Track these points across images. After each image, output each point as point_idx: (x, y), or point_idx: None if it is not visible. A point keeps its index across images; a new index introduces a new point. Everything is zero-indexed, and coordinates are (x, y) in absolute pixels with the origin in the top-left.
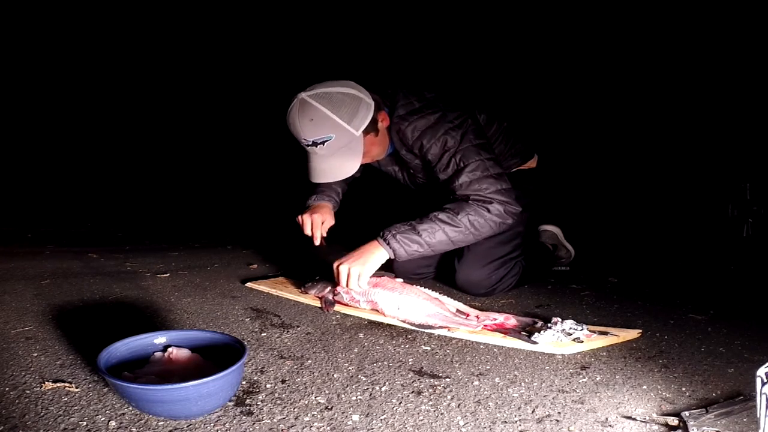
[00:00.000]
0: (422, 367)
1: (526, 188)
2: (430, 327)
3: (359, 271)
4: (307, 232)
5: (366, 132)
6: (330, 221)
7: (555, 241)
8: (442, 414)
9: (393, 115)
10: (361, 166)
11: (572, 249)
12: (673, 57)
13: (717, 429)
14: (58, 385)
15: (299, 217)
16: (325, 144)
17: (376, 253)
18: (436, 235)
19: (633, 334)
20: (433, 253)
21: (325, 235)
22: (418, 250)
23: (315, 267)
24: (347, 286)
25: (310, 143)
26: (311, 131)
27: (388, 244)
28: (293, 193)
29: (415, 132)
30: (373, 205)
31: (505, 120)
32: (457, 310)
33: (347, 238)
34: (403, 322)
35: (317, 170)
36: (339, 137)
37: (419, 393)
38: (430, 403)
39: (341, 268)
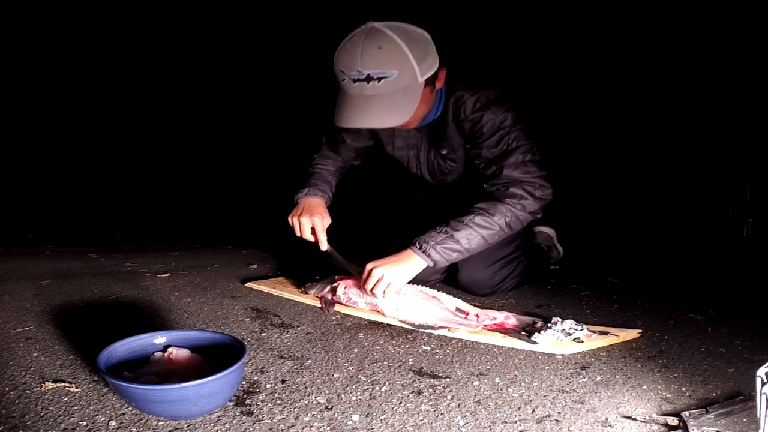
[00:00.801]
0: (422, 367)
1: None
2: (430, 327)
3: (391, 281)
4: (306, 236)
5: (427, 82)
6: (328, 219)
7: (549, 242)
8: (442, 414)
9: (452, 82)
10: (366, 149)
11: (562, 249)
12: (673, 57)
13: (717, 429)
14: (58, 385)
15: (291, 218)
16: (382, 81)
17: (413, 263)
18: (474, 240)
19: (633, 334)
20: (468, 256)
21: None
22: (459, 258)
23: (315, 267)
24: (372, 291)
25: (363, 77)
26: (374, 61)
27: (428, 255)
28: (292, 192)
29: (478, 103)
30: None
31: None
32: (457, 309)
33: (345, 238)
34: (403, 322)
35: (357, 112)
36: (402, 76)
37: (419, 393)
38: (430, 403)
39: (375, 271)
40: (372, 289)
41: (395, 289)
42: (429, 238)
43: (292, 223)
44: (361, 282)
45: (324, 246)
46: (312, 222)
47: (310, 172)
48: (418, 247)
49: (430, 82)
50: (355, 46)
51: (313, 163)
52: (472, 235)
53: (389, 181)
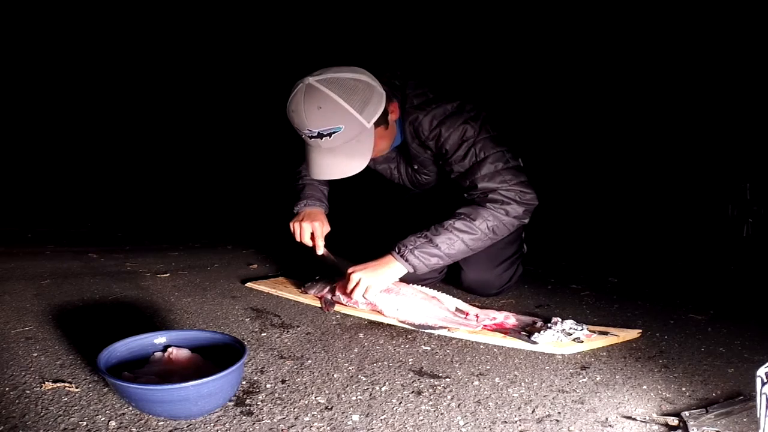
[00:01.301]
0: (422, 367)
1: None
2: (430, 327)
3: (369, 284)
4: (305, 240)
5: (377, 124)
6: (327, 227)
7: None
8: (442, 414)
9: (405, 106)
10: None
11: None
12: (672, 56)
13: (717, 429)
14: (58, 385)
15: (292, 224)
16: (332, 136)
17: (393, 269)
18: (455, 245)
19: (633, 334)
20: (451, 262)
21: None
22: (438, 263)
23: (315, 267)
24: (352, 294)
25: (315, 134)
26: (318, 121)
27: (407, 260)
28: (290, 200)
29: (434, 121)
30: (357, 206)
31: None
32: (457, 309)
33: (345, 244)
34: (403, 322)
35: (320, 166)
36: (348, 129)
37: (419, 393)
38: (430, 403)
39: (353, 276)
40: (351, 293)
41: (374, 293)
42: (408, 242)
43: (293, 228)
44: (344, 285)
45: (320, 251)
46: (312, 227)
47: (301, 184)
48: (397, 251)
49: (382, 120)
50: (298, 107)
51: (302, 175)
52: (453, 240)
53: (381, 184)
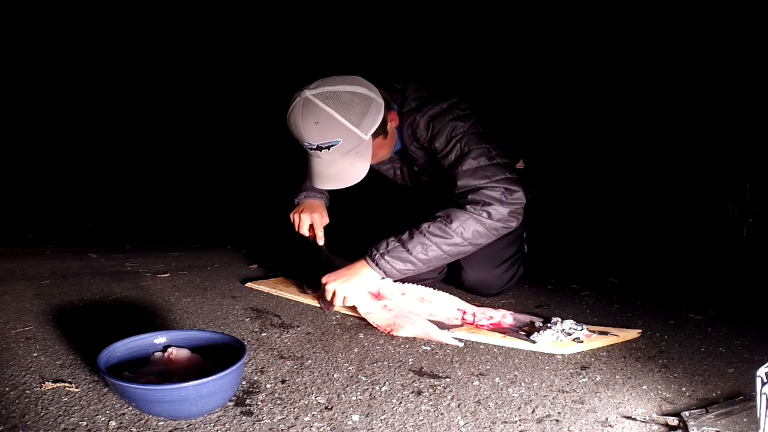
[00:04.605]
0: (422, 367)
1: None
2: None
3: (345, 295)
4: (303, 231)
5: (375, 135)
6: (326, 219)
7: None
8: (442, 414)
9: (403, 109)
10: None
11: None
12: (672, 56)
13: (717, 429)
14: (58, 385)
15: (292, 215)
16: (331, 149)
17: (365, 275)
18: (429, 251)
19: (633, 334)
20: (428, 269)
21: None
22: (411, 269)
23: (314, 267)
24: (332, 302)
25: (314, 147)
26: (316, 135)
27: (377, 264)
28: (292, 192)
29: (429, 120)
30: (366, 203)
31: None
32: (457, 309)
33: (344, 239)
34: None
35: (321, 176)
36: (346, 142)
37: (419, 393)
38: (430, 403)
39: (328, 287)
40: (332, 301)
41: (352, 302)
42: (381, 246)
43: (293, 218)
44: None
45: (321, 241)
46: (311, 219)
47: (303, 176)
48: (369, 255)
49: (381, 131)
50: (296, 122)
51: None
52: (426, 245)
53: (385, 184)
